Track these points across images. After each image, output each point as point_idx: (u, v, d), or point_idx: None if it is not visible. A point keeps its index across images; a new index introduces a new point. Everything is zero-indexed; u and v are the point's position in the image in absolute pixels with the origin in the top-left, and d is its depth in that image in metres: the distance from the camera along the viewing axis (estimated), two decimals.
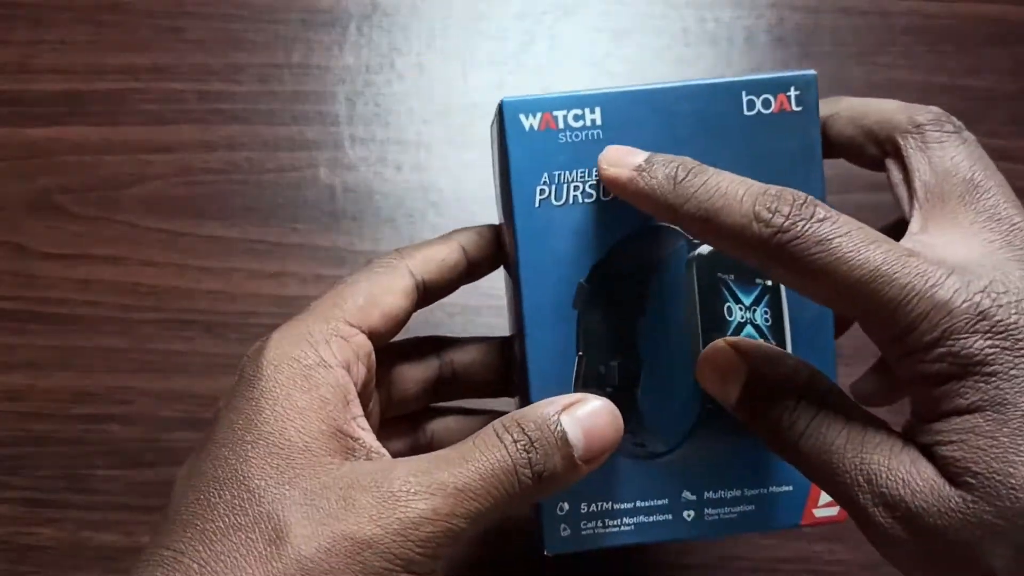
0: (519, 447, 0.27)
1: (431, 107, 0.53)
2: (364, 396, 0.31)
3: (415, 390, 0.36)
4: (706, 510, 0.31)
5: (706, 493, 0.31)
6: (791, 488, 0.31)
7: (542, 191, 0.30)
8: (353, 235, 0.50)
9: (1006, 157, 0.51)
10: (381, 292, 0.31)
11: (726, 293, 0.31)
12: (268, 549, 0.25)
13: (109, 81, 0.52)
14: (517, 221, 0.30)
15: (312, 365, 0.29)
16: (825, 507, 0.31)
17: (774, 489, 0.31)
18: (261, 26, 0.53)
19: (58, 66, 0.53)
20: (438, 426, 0.38)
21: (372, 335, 0.31)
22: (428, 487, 0.26)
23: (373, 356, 0.31)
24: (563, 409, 0.28)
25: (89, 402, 0.49)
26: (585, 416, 0.28)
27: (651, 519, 0.32)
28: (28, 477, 0.48)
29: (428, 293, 0.33)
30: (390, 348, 0.35)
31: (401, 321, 0.32)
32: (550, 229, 0.30)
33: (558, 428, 0.28)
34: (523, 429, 0.28)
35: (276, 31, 0.53)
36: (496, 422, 0.28)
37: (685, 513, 0.31)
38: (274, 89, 0.52)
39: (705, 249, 0.31)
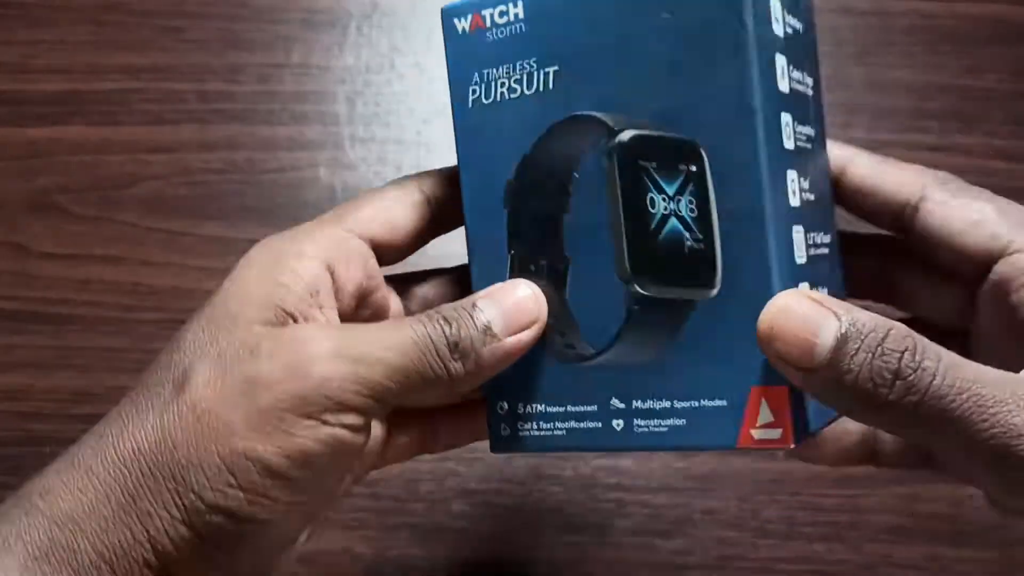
0: (435, 322, 0.28)
1: (431, 107, 0.53)
2: (362, 300, 0.31)
3: None
4: (635, 420, 0.30)
5: (635, 402, 0.30)
6: (725, 403, 0.28)
7: (474, 91, 0.30)
8: None
9: (1006, 157, 0.51)
10: (387, 203, 0.31)
11: (648, 182, 0.29)
12: (171, 395, 0.27)
13: (109, 81, 0.52)
14: (455, 123, 0.31)
15: (285, 253, 0.29)
16: (765, 428, 0.28)
17: (706, 403, 0.29)
18: (261, 26, 0.53)
19: (58, 66, 0.53)
20: None
21: (377, 245, 0.31)
22: (340, 349, 0.27)
23: (374, 263, 0.31)
24: (482, 296, 0.29)
25: (89, 402, 0.49)
26: (499, 293, 0.29)
27: (582, 425, 0.30)
28: (28, 477, 0.48)
29: (442, 214, 0.32)
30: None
31: (410, 234, 0.32)
32: (483, 129, 0.30)
33: (474, 306, 0.29)
34: (441, 312, 0.29)
35: (276, 31, 0.53)
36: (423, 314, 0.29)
37: (615, 422, 0.30)
38: (274, 89, 0.52)
39: (626, 135, 0.29)
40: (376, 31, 0.53)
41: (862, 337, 0.24)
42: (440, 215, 0.32)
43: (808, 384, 0.25)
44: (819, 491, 0.49)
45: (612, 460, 0.49)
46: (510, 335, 0.29)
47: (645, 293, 0.29)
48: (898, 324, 0.25)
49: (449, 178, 0.32)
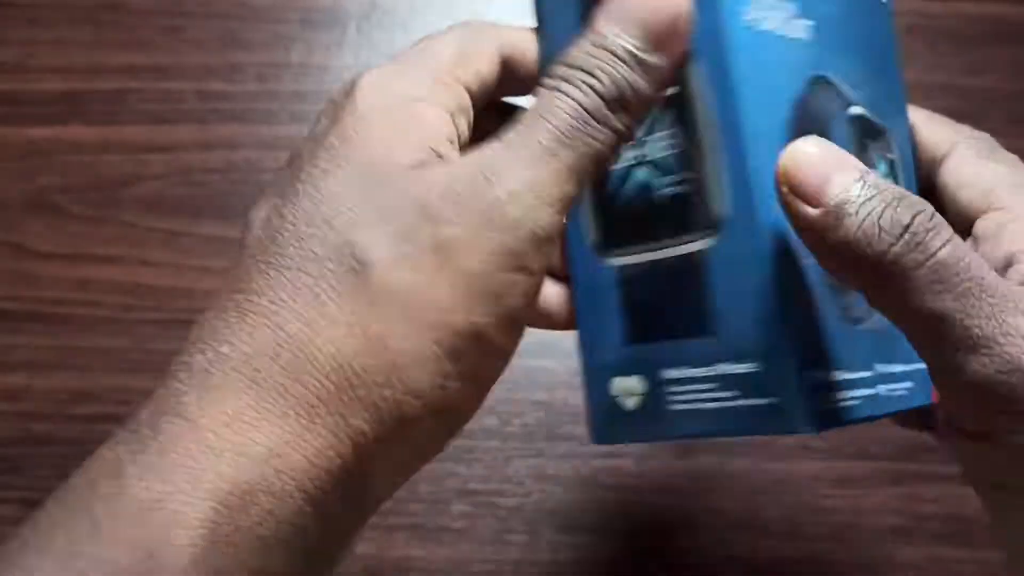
0: (578, 87, 0.24)
1: None
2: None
3: None
4: (887, 386, 0.28)
5: (886, 366, 0.28)
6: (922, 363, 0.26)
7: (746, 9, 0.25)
8: None
9: None
10: (473, 50, 0.27)
11: None
12: (351, 279, 0.23)
13: (108, 81, 0.52)
14: (726, 26, 0.25)
15: (415, 98, 0.25)
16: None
17: (918, 364, 0.27)
18: (261, 26, 0.53)
19: (57, 66, 0.53)
20: None
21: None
22: (523, 179, 0.23)
23: (472, 115, 0.27)
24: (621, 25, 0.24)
25: (89, 402, 0.49)
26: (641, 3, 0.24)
27: (867, 392, 0.27)
28: (28, 477, 0.48)
29: (505, 78, 0.29)
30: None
31: (489, 90, 0.28)
32: (759, 47, 0.25)
33: (618, 42, 0.24)
34: (572, 70, 0.24)
35: (276, 31, 0.53)
36: (554, 73, 0.24)
37: (880, 387, 0.28)
38: (273, 89, 0.52)
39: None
40: (376, 31, 0.53)
41: (879, 189, 0.23)
42: (502, 83, 0.29)
43: (815, 224, 0.23)
44: (820, 492, 0.49)
45: (612, 460, 0.49)
46: (656, 45, 0.24)
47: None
48: (914, 196, 0.24)
49: (518, 38, 0.28)
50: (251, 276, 0.23)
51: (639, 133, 0.26)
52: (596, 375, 0.29)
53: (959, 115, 0.32)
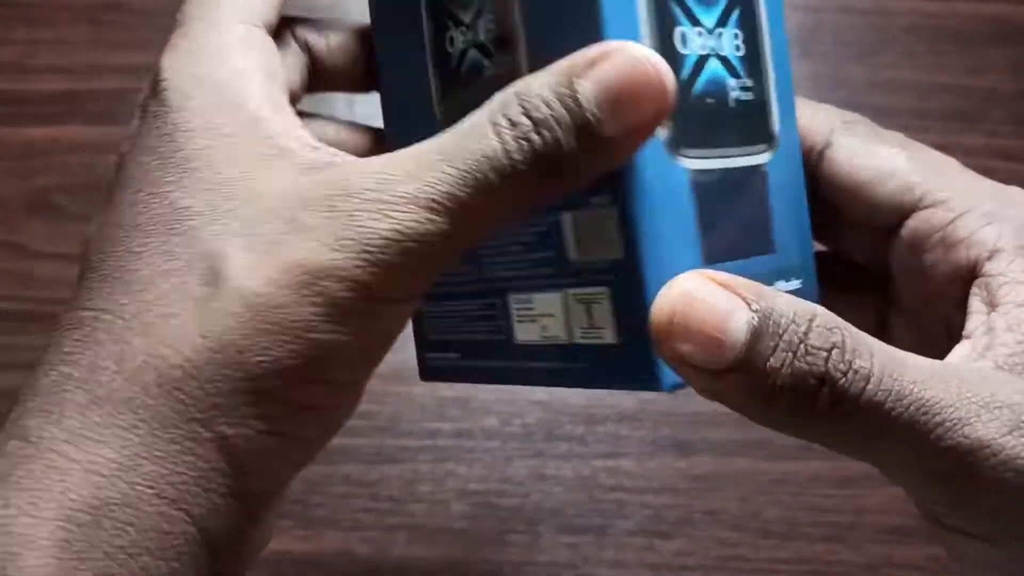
0: (516, 133, 0.21)
1: None
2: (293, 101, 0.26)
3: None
4: None
5: None
6: None
7: None
8: None
9: (1006, 157, 0.51)
10: None
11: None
12: (205, 290, 0.22)
13: (108, 80, 0.52)
14: None
15: (226, 80, 0.24)
16: None
17: None
18: None
19: (57, 65, 0.52)
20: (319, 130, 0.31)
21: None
22: (396, 200, 0.21)
23: (305, 58, 0.27)
24: (585, 67, 0.21)
25: None
26: (612, 70, 0.20)
27: None
28: None
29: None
30: None
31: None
32: None
33: (571, 93, 0.20)
34: (524, 108, 0.21)
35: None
36: (494, 101, 0.21)
37: None
38: None
39: None
40: None
41: (780, 331, 0.20)
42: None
43: (720, 392, 0.21)
44: (820, 492, 0.49)
45: (613, 461, 0.49)
46: (619, 133, 0.21)
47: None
48: (821, 310, 0.21)
49: None
50: (100, 292, 0.23)
51: (711, 21, 0.23)
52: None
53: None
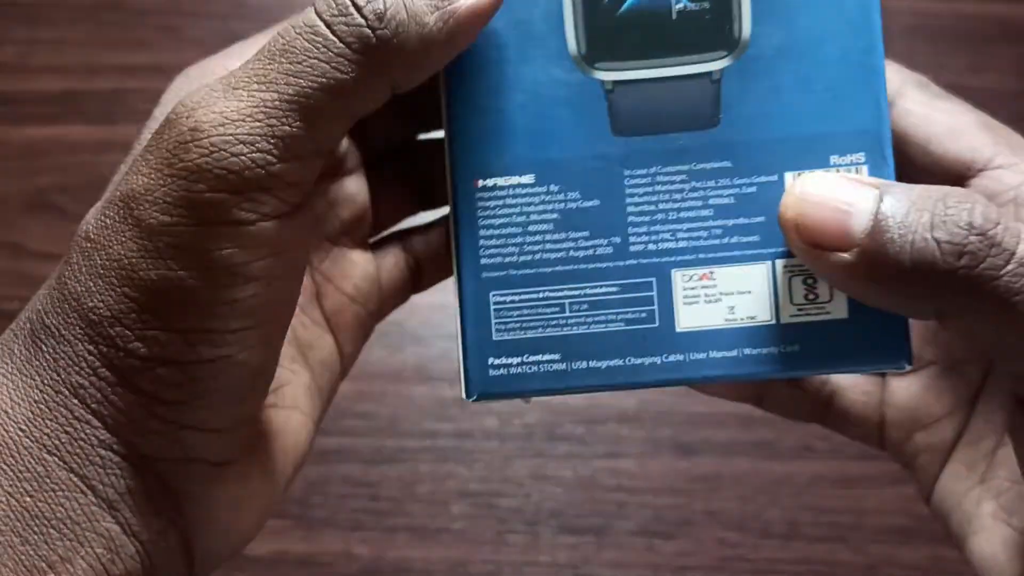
0: (347, 30, 0.21)
1: None
2: None
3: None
4: None
5: None
6: None
7: None
8: None
9: None
10: None
11: None
12: (73, 249, 0.22)
13: (107, 80, 0.52)
14: None
15: (225, 70, 0.24)
16: None
17: None
18: (259, 25, 0.53)
19: (55, 65, 0.52)
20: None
21: None
22: (212, 123, 0.20)
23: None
24: None
25: None
26: None
27: None
28: None
29: None
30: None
31: None
32: None
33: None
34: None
35: None
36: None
37: None
38: None
39: None
40: None
41: (911, 196, 0.20)
42: None
43: (856, 271, 0.21)
44: (821, 492, 0.49)
45: (613, 461, 0.49)
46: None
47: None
48: (952, 188, 0.21)
49: None
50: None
51: None
52: None
53: None
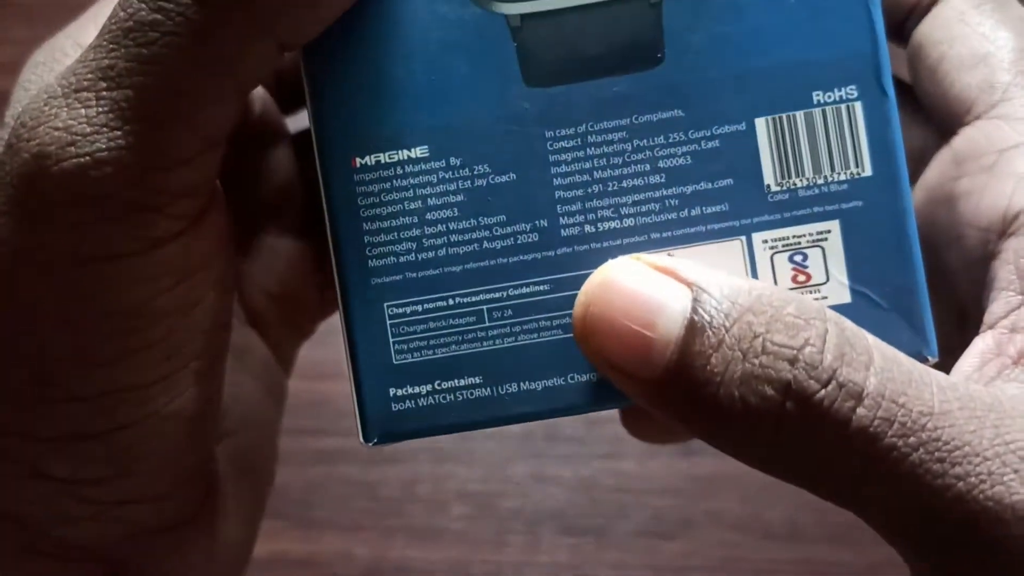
0: None
1: None
2: None
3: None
4: None
5: None
6: None
7: None
8: None
9: None
10: None
11: None
12: None
13: None
14: None
15: (68, 48, 0.20)
16: None
17: None
18: None
19: None
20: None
21: None
22: (57, 132, 0.16)
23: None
24: None
25: None
26: None
27: None
28: None
29: None
30: None
31: None
32: None
33: None
34: None
35: None
36: None
37: None
38: None
39: None
40: None
41: (727, 320, 0.15)
42: None
43: (650, 401, 0.16)
44: None
45: (613, 461, 0.49)
46: None
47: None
48: (798, 297, 0.16)
49: None
50: None
51: None
52: None
53: None
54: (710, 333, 0.15)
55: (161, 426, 0.18)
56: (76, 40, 0.21)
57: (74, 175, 0.16)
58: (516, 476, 0.48)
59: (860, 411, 0.15)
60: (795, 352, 0.15)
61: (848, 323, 0.16)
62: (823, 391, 0.15)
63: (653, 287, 0.16)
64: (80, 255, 0.16)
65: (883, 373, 0.15)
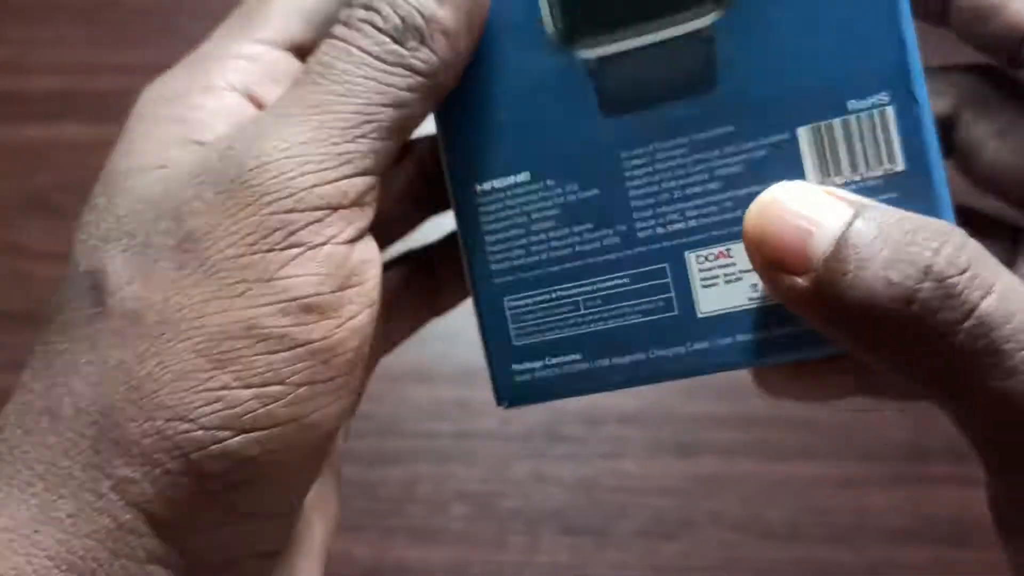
0: (381, 38, 0.20)
1: None
2: None
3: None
4: None
5: None
6: None
7: None
8: None
9: None
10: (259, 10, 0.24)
11: None
12: (92, 314, 0.20)
13: (105, 79, 0.52)
14: None
15: (182, 93, 0.22)
16: None
17: None
18: None
19: (54, 64, 0.52)
20: None
21: (302, 49, 0.23)
22: (279, 152, 0.19)
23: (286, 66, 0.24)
24: None
25: None
26: None
27: None
28: None
29: None
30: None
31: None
32: None
33: None
34: (370, 8, 0.20)
35: None
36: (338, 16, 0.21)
37: None
38: None
39: None
40: None
41: (883, 223, 0.17)
42: None
43: (803, 299, 0.18)
44: (822, 493, 0.48)
45: (614, 462, 0.49)
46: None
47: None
48: (939, 220, 0.18)
49: None
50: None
51: None
52: None
53: None
54: (867, 231, 0.17)
55: (304, 433, 0.19)
56: (189, 85, 0.23)
57: (288, 171, 0.19)
58: (516, 476, 0.48)
59: (988, 300, 0.17)
60: (938, 246, 0.17)
61: (975, 242, 0.18)
62: (959, 277, 0.17)
63: (820, 197, 0.18)
64: (291, 239, 0.19)
65: (1010, 283, 0.17)
